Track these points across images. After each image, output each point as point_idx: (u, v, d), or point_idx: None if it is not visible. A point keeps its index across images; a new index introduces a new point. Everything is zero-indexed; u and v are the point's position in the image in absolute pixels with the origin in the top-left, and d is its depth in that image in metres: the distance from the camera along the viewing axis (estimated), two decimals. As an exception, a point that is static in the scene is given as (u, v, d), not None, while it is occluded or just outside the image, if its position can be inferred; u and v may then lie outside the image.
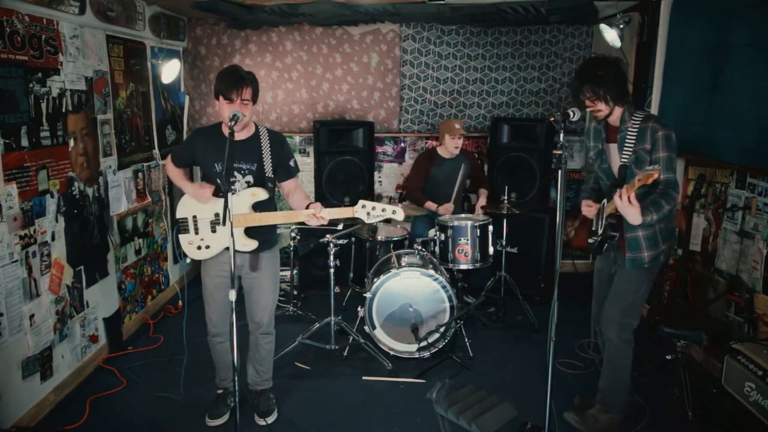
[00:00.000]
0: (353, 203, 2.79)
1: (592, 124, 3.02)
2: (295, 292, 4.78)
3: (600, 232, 2.86)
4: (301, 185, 3.09)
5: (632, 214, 2.55)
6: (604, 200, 2.91)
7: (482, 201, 4.65)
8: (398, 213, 2.73)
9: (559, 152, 2.50)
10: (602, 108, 2.76)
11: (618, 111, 2.79)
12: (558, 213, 2.54)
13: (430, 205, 4.49)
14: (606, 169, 2.92)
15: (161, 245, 4.81)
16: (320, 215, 2.73)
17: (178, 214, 2.95)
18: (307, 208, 2.78)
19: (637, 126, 2.72)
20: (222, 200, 2.47)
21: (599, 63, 2.77)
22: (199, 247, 2.93)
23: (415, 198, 4.58)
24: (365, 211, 2.72)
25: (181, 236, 2.95)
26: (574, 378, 3.56)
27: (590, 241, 2.98)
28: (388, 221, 5.02)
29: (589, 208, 2.98)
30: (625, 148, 2.75)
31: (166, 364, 3.72)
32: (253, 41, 5.32)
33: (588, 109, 2.79)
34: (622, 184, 2.69)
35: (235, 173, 2.85)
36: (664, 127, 2.69)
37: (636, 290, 2.84)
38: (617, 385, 2.95)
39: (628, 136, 2.74)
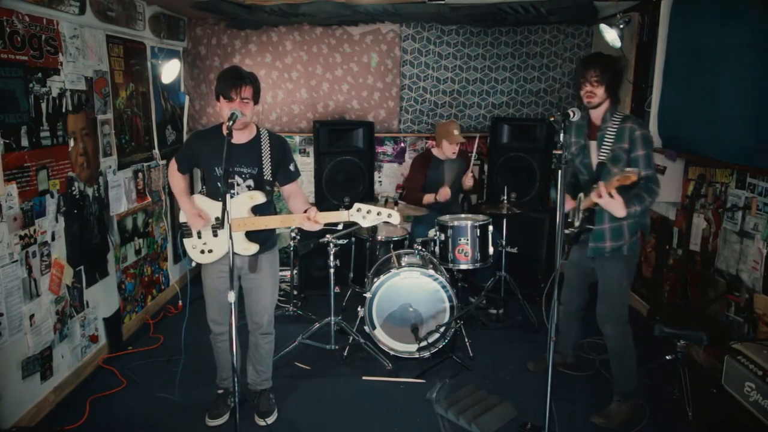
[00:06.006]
0: (353, 203, 2.78)
1: (576, 121, 3.09)
2: (295, 292, 4.78)
3: (577, 224, 3.04)
4: (302, 189, 3.08)
5: (616, 207, 2.72)
6: (581, 194, 3.03)
7: (469, 181, 4.54)
8: (394, 217, 2.71)
9: (559, 152, 2.52)
10: (599, 95, 2.92)
11: (605, 106, 2.97)
12: (558, 213, 2.54)
13: (429, 197, 4.49)
14: (587, 164, 3.07)
15: (161, 245, 4.81)
16: (314, 218, 2.72)
17: (182, 218, 2.98)
18: (304, 212, 2.77)
19: (617, 126, 2.90)
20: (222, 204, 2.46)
21: (612, 57, 2.99)
22: (202, 251, 2.94)
23: (414, 199, 4.57)
24: (360, 214, 2.71)
25: (185, 240, 2.98)
26: (574, 378, 3.56)
27: (566, 232, 3.14)
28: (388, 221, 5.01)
29: (566, 204, 3.12)
30: (603, 146, 2.92)
31: (166, 364, 3.72)
32: (253, 41, 5.32)
33: (583, 91, 2.94)
34: (598, 180, 2.85)
35: (237, 177, 2.84)
36: (642, 127, 2.88)
37: (620, 284, 3.04)
38: (628, 371, 3.09)
39: (607, 135, 2.90)
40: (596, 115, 3.00)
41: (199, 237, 2.94)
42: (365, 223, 2.72)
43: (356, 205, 2.72)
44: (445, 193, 4.44)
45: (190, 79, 5.40)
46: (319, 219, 2.73)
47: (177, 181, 3.01)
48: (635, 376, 3.09)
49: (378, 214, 2.70)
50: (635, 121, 2.92)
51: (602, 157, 2.92)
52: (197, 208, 2.91)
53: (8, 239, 2.90)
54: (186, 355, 3.35)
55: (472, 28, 5.30)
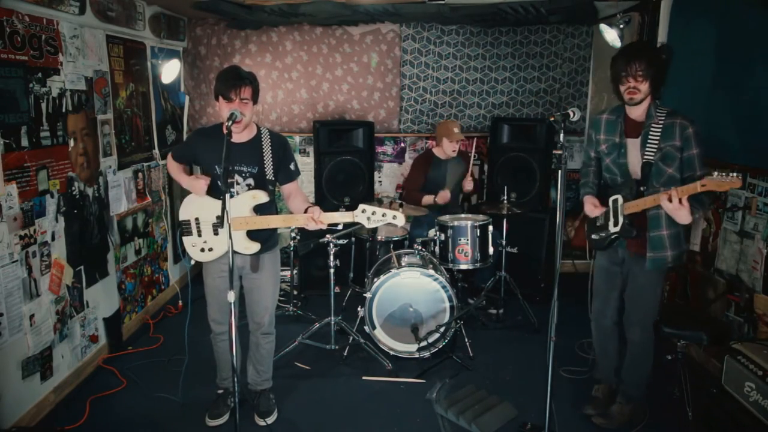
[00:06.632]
0: (353, 203, 2.77)
1: (604, 116, 2.92)
2: (295, 292, 4.78)
3: (612, 229, 2.82)
4: (301, 188, 3.08)
5: (684, 214, 2.50)
6: (617, 197, 2.81)
7: (468, 184, 4.55)
8: (399, 218, 2.70)
9: (559, 152, 2.49)
10: (642, 90, 2.63)
11: (646, 103, 2.70)
12: (558, 213, 2.54)
13: (428, 198, 4.49)
14: (622, 164, 2.80)
15: (161, 245, 4.81)
16: (319, 219, 2.72)
17: (181, 216, 2.96)
18: (305, 211, 2.76)
19: (662, 122, 2.66)
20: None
21: (661, 48, 2.65)
22: (202, 250, 2.93)
23: (413, 199, 4.57)
24: (365, 215, 2.69)
25: (184, 238, 2.96)
26: (574, 378, 3.55)
27: (594, 237, 2.97)
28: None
29: (595, 209, 2.94)
30: (648, 145, 2.68)
31: (167, 364, 3.72)
32: (253, 41, 5.32)
33: (625, 86, 2.65)
34: (646, 182, 2.67)
35: (237, 176, 2.84)
36: (693, 122, 2.63)
37: (654, 291, 2.88)
38: (641, 378, 3.02)
39: (651, 132, 2.67)
40: (636, 111, 2.73)
41: (199, 235, 2.93)
42: (369, 225, 2.71)
43: (361, 206, 2.71)
44: (444, 197, 4.44)
45: (190, 79, 5.40)
46: (324, 219, 2.73)
47: (174, 166, 3.05)
48: (646, 383, 3.04)
49: (383, 215, 2.68)
50: (684, 116, 2.65)
51: (649, 157, 2.67)
52: (193, 175, 2.96)
53: (8, 239, 2.90)
54: (186, 354, 3.35)
55: (472, 28, 5.30)
